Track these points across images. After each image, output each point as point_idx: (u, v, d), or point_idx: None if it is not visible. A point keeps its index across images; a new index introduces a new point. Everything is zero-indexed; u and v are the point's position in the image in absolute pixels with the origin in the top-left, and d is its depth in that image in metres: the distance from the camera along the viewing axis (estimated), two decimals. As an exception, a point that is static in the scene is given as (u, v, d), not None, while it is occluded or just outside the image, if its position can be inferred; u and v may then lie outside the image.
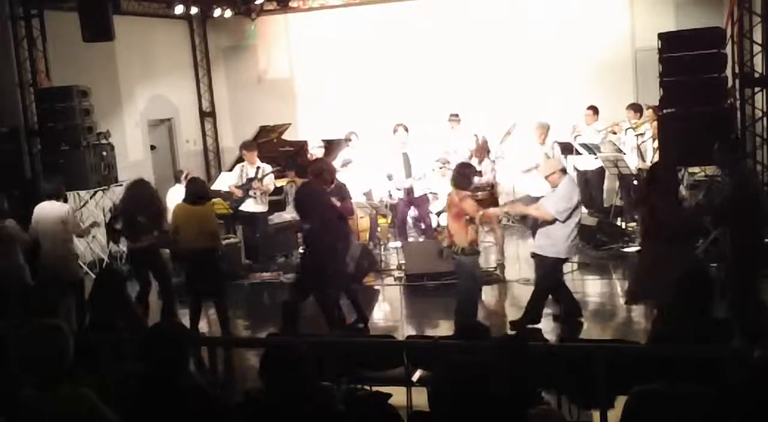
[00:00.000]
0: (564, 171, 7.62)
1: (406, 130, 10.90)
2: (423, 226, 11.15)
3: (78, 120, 10.72)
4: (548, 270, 7.57)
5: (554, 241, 7.39)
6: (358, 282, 9.06)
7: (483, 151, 10.89)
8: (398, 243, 10.85)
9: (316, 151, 11.10)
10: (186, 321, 7.96)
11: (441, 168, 10.84)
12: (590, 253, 10.22)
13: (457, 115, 12.06)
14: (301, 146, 12.29)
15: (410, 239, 11.10)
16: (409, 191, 10.79)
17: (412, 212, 11.29)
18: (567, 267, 9.42)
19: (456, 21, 13.46)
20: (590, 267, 9.79)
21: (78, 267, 8.85)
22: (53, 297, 8.00)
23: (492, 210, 8.23)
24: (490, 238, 10.44)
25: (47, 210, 8.32)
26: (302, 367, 3.52)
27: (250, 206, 10.91)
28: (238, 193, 10.89)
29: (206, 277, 8.12)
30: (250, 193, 10.84)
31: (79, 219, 10.94)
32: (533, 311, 7.60)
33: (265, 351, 3.68)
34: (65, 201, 9.18)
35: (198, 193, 8.27)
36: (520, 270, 9.69)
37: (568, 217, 7.31)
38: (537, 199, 10.40)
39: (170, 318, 7.74)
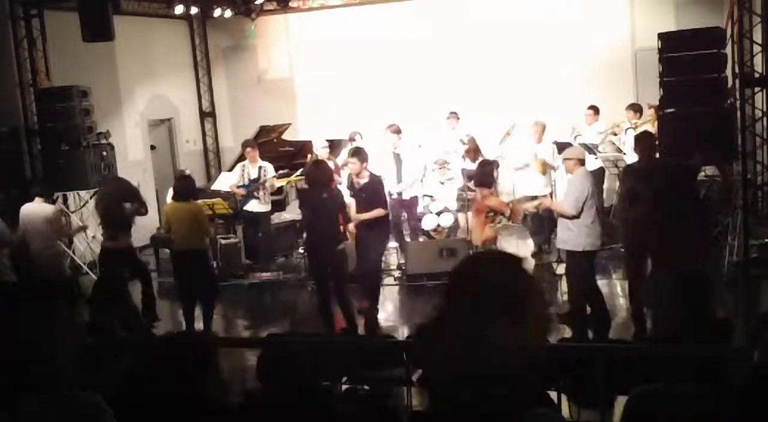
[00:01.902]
0: (582, 162, 7.65)
1: (398, 132, 10.79)
2: (413, 228, 11.08)
3: (78, 120, 10.72)
4: (573, 264, 7.57)
5: (573, 235, 7.41)
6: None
7: (474, 150, 10.85)
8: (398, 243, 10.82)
9: (320, 151, 11.07)
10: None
11: (441, 168, 10.82)
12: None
13: (455, 113, 12.01)
14: (302, 146, 12.27)
15: (407, 240, 11.07)
16: (398, 194, 10.72)
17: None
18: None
19: (456, 21, 13.46)
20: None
21: (65, 266, 8.94)
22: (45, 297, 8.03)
23: (519, 205, 8.22)
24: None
25: (34, 210, 8.42)
26: (300, 367, 3.52)
27: (254, 206, 10.90)
28: (241, 193, 10.86)
29: (196, 277, 8.16)
30: (255, 193, 10.83)
31: (78, 219, 11.00)
32: (577, 304, 7.61)
33: (262, 351, 3.68)
34: (53, 202, 9.27)
35: (183, 189, 8.31)
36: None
37: (582, 210, 7.34)
38: (534, 199, 10.47)
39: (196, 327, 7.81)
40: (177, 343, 3.68)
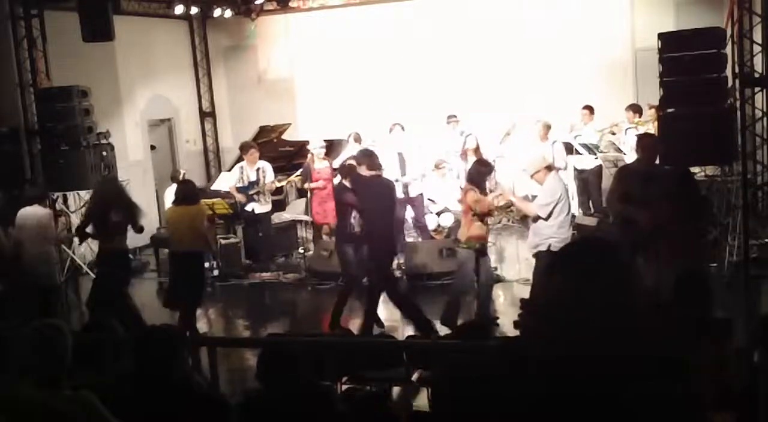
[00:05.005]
0: (549, 168, 7.59)
1: (403, 129, 10.83)
2: (420, 226, 11.08)
3: (78, 120, 10.71)
4: (540, 264, 7.51)
5: (542, 239, 7.35)
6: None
7: (475, 150, 10.85)
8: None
9: (317, 151, 11.07)
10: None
11: (441, 169, 10.82)
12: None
13: (455, 116, 12.00)
14: (302, 146, 12.27)
15: (409, 239, 11.06)
16: (405, 191, 10.70)
17: (410, 212, 11.18)
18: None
19: (456, 21, 13.46)
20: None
21: (56, 273, 8.85)
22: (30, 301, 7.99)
23: (486, 198, 8.11)
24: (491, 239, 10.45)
25: (29, 214, 8.37)
26: (299, 367, 3.52)
27: (254, 206, 10.88)
28: (241, 198, 10.82)
29: (186, 279, 8.14)
30: (255, 197, 10.80)
31: (78, 219, 10.98)
32: None
33: (261, 352, 3.68)
34: (50, 203, 9.23)
35: (183, 194, 8.29)
36: (519, 270, 9.68)
37: (551, 214, 7.29)
38: (534, 199, 10.47)
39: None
40: (144, 337, 3.71)
